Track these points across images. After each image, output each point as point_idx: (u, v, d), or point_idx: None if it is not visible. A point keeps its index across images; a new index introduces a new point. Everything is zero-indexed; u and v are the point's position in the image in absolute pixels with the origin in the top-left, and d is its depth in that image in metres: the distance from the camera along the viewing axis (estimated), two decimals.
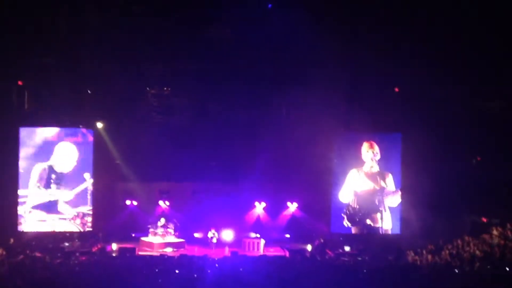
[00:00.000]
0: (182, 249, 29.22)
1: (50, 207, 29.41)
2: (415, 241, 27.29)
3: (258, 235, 30.22)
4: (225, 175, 30.97)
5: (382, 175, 30.22)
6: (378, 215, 30.18)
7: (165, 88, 30.45)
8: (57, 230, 29.37)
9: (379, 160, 30.15)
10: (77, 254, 25.71)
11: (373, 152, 30.13)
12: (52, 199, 29.42)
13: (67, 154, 29.55)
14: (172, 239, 29.71)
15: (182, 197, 31.54)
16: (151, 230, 29.74)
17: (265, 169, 29.75)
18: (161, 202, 31.24)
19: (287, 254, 27.97)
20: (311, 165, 29.90)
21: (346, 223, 30.17)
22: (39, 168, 29.37)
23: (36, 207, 29.28)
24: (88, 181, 29.68)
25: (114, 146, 30.61)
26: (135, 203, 31.16)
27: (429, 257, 24.80)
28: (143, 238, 29.76)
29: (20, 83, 29.33)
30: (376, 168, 30.19)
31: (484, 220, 28.65)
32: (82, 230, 29.71)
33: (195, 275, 19.45)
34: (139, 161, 30.77)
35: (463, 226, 28.15)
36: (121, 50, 28.31)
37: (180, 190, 31.86)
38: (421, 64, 27.84)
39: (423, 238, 27.38)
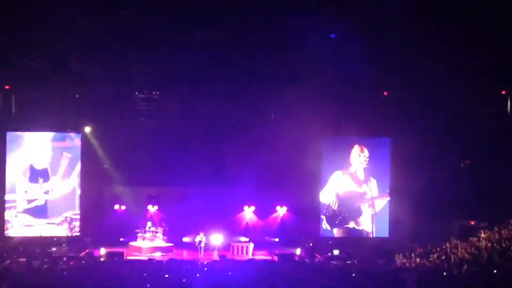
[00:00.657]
0: (170, 253, 29.16)
1: (37, 211, 29.23)
2: (404, 245, 27.33)
3: (247, 239, 30.15)
4: (214, 179, 30.92)
5: (366, 180, 30.28)
6: (362, 218, 30.22)
7: (153, 92, 30.38)
8: (44, 235, 29.18)
9: (367, 165, 30.20)
10: (65, 259, 25.64)
11: (363, 156, 30.20)
12: (37, 203, 29.23)
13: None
14: (161, 243, 29.63)
15: (170, 201, 31.41)
16: (139, 234, 29.65)
17: (254, 173, 29.71)
18: (149, 207, 31.12)
19: (276, 258, 27.95)
20: (300, 169, 29.92)
21: (325, 224, 30.19)
22: (20, 169, 29.24)
23: (24, 211, 29.09)
24: (75, 186, 29.52)
25: (103, 150, 30.53)
26: (123, 207, 31.03)
27: (418, 260, 24.83)
28: (131, 243, 29.64)
29: (7, 87, 29.17)
30: (361, 172, 30.24)
31: (472, 223, 28.78)
32: (69, 234, 29.57)
33: (184, 280, 19.45)
34: (128, 165, 30.70)
35: (451, 229, 28.28)
36: (110, 53, 28.19)
37: (168, 194, 31.77)
38: (410, 69, 27.89)
39: (411, 241, 27.39)
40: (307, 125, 28.68)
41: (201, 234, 28.91)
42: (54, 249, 28.07)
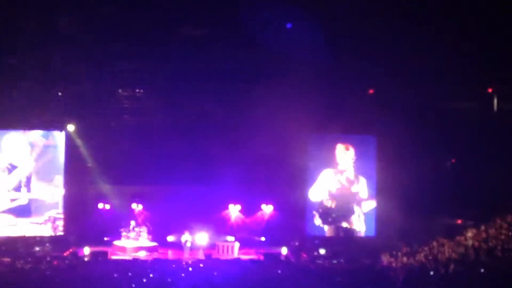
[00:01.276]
0: (155, 253, 29.05)
1: (20, 211, 28.95)
2: (390, 244, 27.33)
3: (232, 239, 30.03)
4: (199, 178, 30.74)
5: (356, 179, 30.22)
6: (353, 217, 30.16)
7: (137, 90, 30.23)
8: (27, 234, 28.88)
9: (354, 163, 30.15)
10: (48, 258, 25.51)
11: (349, 154, 30.13)
12: (20, 203, 28.94)
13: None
14: (145, 242, 29.49)
15: (155, 200, 31.22)
16: (123, 233, 29.52)
17: (239, 171, 29.56)
18: (134, 205, 30.93)
19: (262, 257, 27.84)
20: (286, 168, 29.93)
21: (317, 221, 30.07)
22: (2, 166, 28.94)
23: (6, 211, 28.80)
24: (59, 184, 29.27)
25: (86, 148, 30.32)
26: (107, 206, 30.81)
27: (404, 259, 24.83)
28: (115, 242, 29.46)
29: None
30: (351, 171, 30.19)
31: (459, 222, 28.82)
32: (53, 234, 29.28)
33: (169, 279, 19.41)
34: (111, 164, 30.50)
35: (437, 228, 28.25)
36: (92, 50, 28.03)
37: (153, 193, 31.54)
38: (396, 66, 27.91)
39: (398, 240, 27.44)
40: (292, 122, 28.55)
41: (186, 233, 28.78)
42: (37, 248, 27.96)
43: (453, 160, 30.73)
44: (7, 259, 25.08)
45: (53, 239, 29.09)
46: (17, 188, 28.98)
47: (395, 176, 28.57)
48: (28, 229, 29.00)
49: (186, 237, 28.69)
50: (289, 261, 27.29)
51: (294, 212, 30.76)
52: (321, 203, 30.18)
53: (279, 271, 22.56)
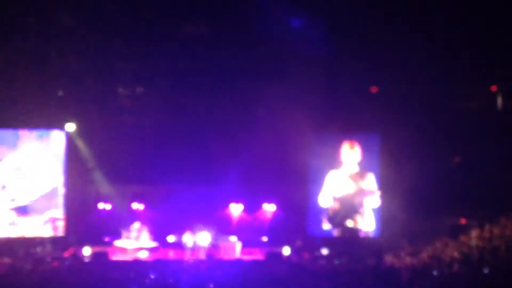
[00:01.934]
0: (156, 253, 28.91)
1: (20, 211, 28.80)
2: (394, 243, 27.26)
3: (234, 239, 29.91)
4: (201, 177, 30.67)
5: (362, 175, 30.03)
6: (359, 216, 29.99)
7: (138, 88, 30.19)
8: (27, 235, 28.76)
9: (359, 161, 30.01)
10: (49, 259, 25.52)
11: (354, 152, 30.00)
12: (19, 203, 28.84)
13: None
14: (146, 243, 29.35)
15: (156, 200, 31.16)
16: (124, 234, 29.36)
17: (242, 170, 29.51)
18: (134, 205, 30.85)
19: (264, 257, 27.76)
20: (289, 167, 29.79)
21: (326, 225, 29.94)
22: (2, 166, 28.77)
23: (4, 210, 28.68)
24: (58, 184, 29.19)
25: (86, 148, 30.26)
26: (107, 206, 30.75)
27: (408, 259, 24.77)
28: (116, 242, 29.34)
29: None
30: (356, 169, 30.03)
31: (463, 222, 28.74)
32: (53, 234, 29.14)
33: (170, 280, 19.46)
34: (112, 164, 30.41)
35: (441, 228, 28.18)
36: (93, 49, 28.04)
37: (154, 192, 31.49)
38: (399, 64, 27.91)
39: (401, 240, 27.39)
40: (295, 121, 28.46)
41: (188, 234, 28.69)
42: (37, 249, 27.75)
43: (457, 159, 30.67)
44: (7, 260, 25.01)
45: (53, 240, 28.95)
46: (17, 188, 28.83)
47: (398, 175, 28.42)
48: (28, 229, 28.89)
49: (187, 237, 28.60)
50: (291, 261, 27.19)
51: (297, 211, 30.64)
52: (329, 208, 30.01)
53: (281, 271, 22.53)
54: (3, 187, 28.72)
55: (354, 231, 29.82)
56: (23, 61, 27.92)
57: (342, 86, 29.64)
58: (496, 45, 26.66)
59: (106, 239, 29.75)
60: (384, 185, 29.65)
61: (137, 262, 25.47)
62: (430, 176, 28.85)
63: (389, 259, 25.65)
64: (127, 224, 29.63)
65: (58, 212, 29.20)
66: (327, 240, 29.69)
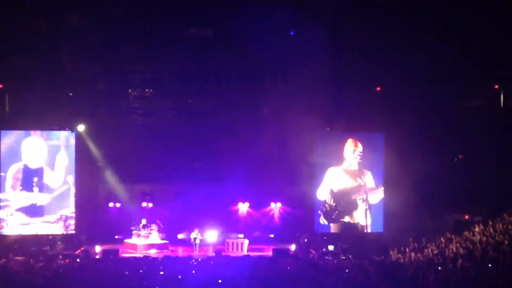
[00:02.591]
0: (165, 250, 29.21)
1: (32, 210, 29.13)
2: (398, 239, 27.38)
3: (242, 235, 30.16)
4: (208, 176, 30.93)
5: (361, 173, 30.22)
6: (357, 212, 30.17)
7: (147, 90, 30.35)
8: (39, 233, 29.08)
9: (361, 159, 30.15)
10: (60, 257, 25.69)
11: (357, 151, 30.13)
12: (32, 202, 29.16)
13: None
14: (156, 240, 29.62)
15: (165, 198, 31.45)
16: (134, 231, 29.63)
17: (248, 169, 29.68)
18: (144, 204, 31.14)
19: (271, 254, 27.98)
20: (294, 165, 29.93)
21: (322, 220, 30.13)
22: (14, 168, 29.05)
23: (18, 210, 29.02)
24: (70, 184, 29.48)
25: (97, 148, 30.48)
26: (118, 205, 31.04)
27: (412, 255, 24.88)
28: (126, 240, 29.65)
29: (0, 86, 29.09)
30: (355, 166, 30.17)
31: (466, 217, 28.86)
32: (65, 232, 29.45)
33: (179, 276, 19.45)
34: (122, 163, 30.68)
35: (445, 224, 28.35)
36: (103, 51, 28.20)
37: (163, 191, 31.78)
38: (403, 64, 27.93)
39: (406, 236, 27.49)
40: (300, 120, 28.59)
41: (196, 231, 28.95)
42: (49, 247, 28.08)
43: (460, 156, 30.79)
44: (20, 258, 25.25)
45: (65, 238, 29.30)
46: (30, 188, 29.18)
47: (402, 173, 28.54)
48: (40, 228, 29.20)
49: (196, 235, 28.88)
50: (298, 258, 27.33)
51: (303, 209, 30.86)
52: (324, 202, 30.18)
53: (288, 268, 22.63)
54: (15, 188, 29.07)
55: (351, 226, 30.00)
56: (35, 63, 28.18)
57: (347, 86, 29.75)
58: (499, 44, 26.65)
59: (117, 237, 30.09)
60: (388, 182, 29.81)
61: (147, 259, 25.53)
62: (433, 173, 29.01)
63: (393, 255, 25.75)
64: (137, 222, 29.92)
65: (70, 211, 29.50)
66: (333, 236, 29.88)
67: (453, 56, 27.45)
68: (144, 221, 29.84)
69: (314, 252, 28.62)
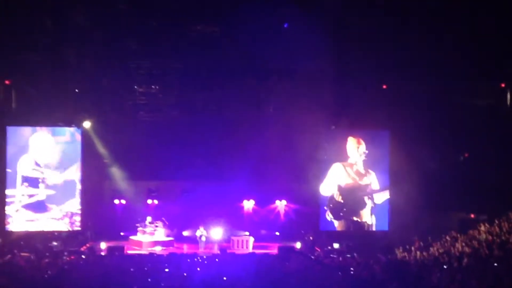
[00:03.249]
0: (171, 247, 29.24)
1: (38, 206, 29.18)
2: (404, 238, 27.32)
3: (247, 233, 30.19)
4: (213, 173, 30.92)
5: (366, 171, 30.11)
6: (364, 211, 30.07)
7: (152, 86, 30.37)
8: (45, 229, 29.15)
9: (365, 158, 30.06)
10: (66, 253, 25.61)
11: (361, 149, 30.04)
12: (38, 198, 29.21)
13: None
14: (161, 237, 29.67)
15: (170, 195, 31.50)
16: (139, 228, 29.67)
17: (254, 166, 29.72)
18: (149, 201, 31.19)
19: (276, 252, 27.97)
20: (299, 163, 29.85)
21: (329, 216, 29.99)
22: (20, 164, 29.04)
23: (24, 206, 29.07)
24: (76, 180, 29.48)
25: (102, 144, 30.53)
26: (123, 201, 31.12)
27: (418, 253, 24.85)
28: (132, 237, 29.70)
29: (7, 82, 29.15)
30: (360, 165, 30.06)
31: (472, 216, 28.82)
32: (70, 229, 29.51)
33: (185, 274, 19.43)
34: (128, 160, 30.72)
35: (451, 223, 28.28)
36: (109, 48, 28.24)
37: (168, 188, 31.83)
38: (409, 61, 27.89)
39: (411, 234, 27.40)
40: (305, 118, 28.51)
41: (201, 228, 28.99)
42: (55, 243, 28.13)
43: (466, 155, 30.73)
44: (26, 254, 25.31)
45: (70, 234, 29.35)
46: (35, 184, 29.21)
47: (408, 171, 28.49)
48: (46, 224, 29.26)
49: (201, 232, 28.91)
50: (303, 255, 27.31)
51: (308, 206, 30.82)
52: (332, 198, 30.04)
53: (293, 266, 22.62)
54: (22, 183, 29.12)
55: (358, 224, 29.93)
56: (42, 60, 28.21)
57: (353, 83, 29.70)
58: (505, 42, 26.61)
59: (122, 233, 30.16)
60: (394, 181, 29.75)
61: (152, 256, 25.54)
62: (439, 172, 28.98)
63: (399, 253, 25.72)
64: (142, 219, 29.98)
65: (75, 207, 29.55)
66: (338, 234, 29.84)
67: (459, 55, 27.34)
68: (149, 218, 29.89)
69: (319, 250, 28.59)
